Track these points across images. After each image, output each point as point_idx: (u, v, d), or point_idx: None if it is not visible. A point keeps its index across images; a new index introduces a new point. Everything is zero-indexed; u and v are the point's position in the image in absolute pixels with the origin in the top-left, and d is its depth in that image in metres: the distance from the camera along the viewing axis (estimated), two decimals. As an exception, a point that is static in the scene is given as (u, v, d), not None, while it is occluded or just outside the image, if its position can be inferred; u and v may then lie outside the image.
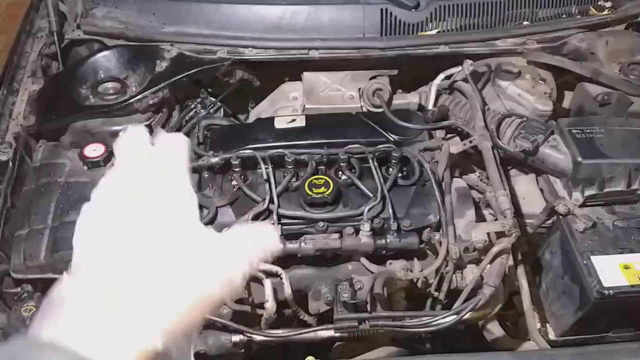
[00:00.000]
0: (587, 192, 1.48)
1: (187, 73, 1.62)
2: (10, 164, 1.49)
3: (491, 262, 1.31)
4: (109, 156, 1.53)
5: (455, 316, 1.28)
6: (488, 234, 1.36)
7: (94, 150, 1.51)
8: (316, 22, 1.71)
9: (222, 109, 1.78)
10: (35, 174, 1.50)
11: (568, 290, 1.39)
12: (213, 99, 1.76)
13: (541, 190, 1.62)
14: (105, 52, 1.69)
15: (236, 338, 1.35)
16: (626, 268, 1.31)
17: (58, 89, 1.66)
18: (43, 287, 1.40)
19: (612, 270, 1.30)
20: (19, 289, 1.36)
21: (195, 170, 1.47)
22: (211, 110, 1.74)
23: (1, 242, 1.39)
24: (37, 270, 1.37)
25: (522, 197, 1.59)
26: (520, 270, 1.42)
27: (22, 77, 1.68)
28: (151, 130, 1.63)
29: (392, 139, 1.51)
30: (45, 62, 1.74)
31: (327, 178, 1.39)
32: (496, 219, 1.42)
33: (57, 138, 1.62)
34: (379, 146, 1.47)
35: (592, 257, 1.32)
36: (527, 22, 1.81)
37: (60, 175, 1.48)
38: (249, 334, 1.34)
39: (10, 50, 1.74)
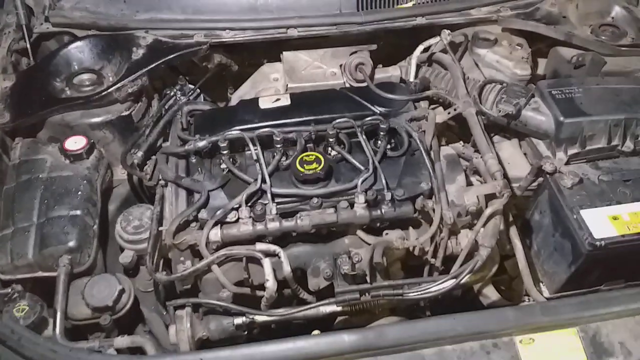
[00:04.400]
0: (570, 151, 1.51)
1: (165, 59, 1.59)
2: (-12, 163, 1.43)
3: (484, 224, 1.33)
4: (91, 148, 1.49)
5: (454, 280, 1.29)
6: (479, 197, 1.38)
7: (75, 143, 1.47)
8: (292, 0, 1.70)
9: (201, 95, 1.75)
10: (15, 172, 1.46)
11: (560, 246, 1.42)
12: (192, 86, 1.73)
13: (525, 154, 1.64)
14: (77, 43, 1.64)
15: (239, 320, 1.34)
16: (615, 219, 1.34)
17: (31, 84, 1.60)
18: (33, 286, 1.36)
19: (602, 222, 1.33)
20: (9, 290, 1.31)
21: (182, 155, 1.45)
22: (191, 97, 1.71)
23: None
24: (26, 269, 1.33)
25: (507, 162, 1.60)
26: (513, 231, 1.44)
27: (-7, 75, 1.61)
28: (132, 120, 1.59)
29: (378, 112, 1.51)
30: (15, 58, 1.68)
31: (317, 154, 1.38)
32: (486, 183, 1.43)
33: (34, 134, 1.57)
34: (367, 119, 1.47)
35: (582, 211, 1.35)
36: (499, -10, 1.83)
37: (41, 170, 1.44)
38: (251, 315, 1.33)
39: (-23, 48, 1.67)
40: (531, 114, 1.55)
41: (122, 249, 1.48)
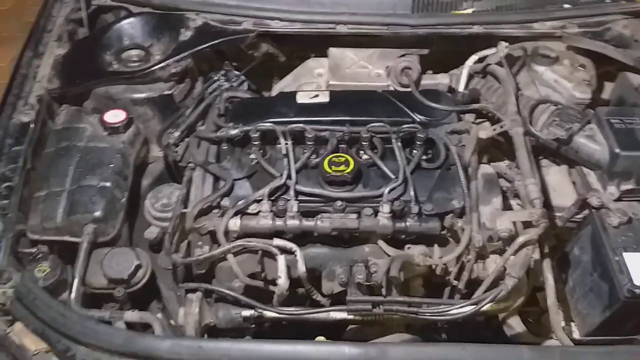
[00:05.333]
0: (624, 187, 1.40)
1: (210, 43, 1.59)
2: (32, 125, 1.49)
3: (515, 252, 1.25)
4: (129, 123, 1.52)
5: (474, 306, 1.23)
6: (514, 223, 1.30)
7: (114, 116, 1.51)
8: (345, -5, 1.66)
9: (246, 82, 1.75)
10: (56, 137, 1.50)
11: (596, 287, 1.32)
12: (237, 72, 1.73)
13: (574, 183, 1.54)
14: (131, 19, 1.68)
15: (247, 313, 1.33)
16: (661, 267, 1.23)
17: (83, 54, 1.65)
18: (58, 249, 1.40)
19: (646, 269, 1.22)
20: (35, 250, 1.36)
21: (214, 141, 1.45)
22: (235, 84, 1.70)
23: (20, 203, 1.39)
24: (53, 232, 1.37)
25: (552, 189, 1.51)
26: (546, 264, 1.34)
27: (48, 41, 1.68)
28: (173, 100, 1.61)
29: (418, 120, 1.45)
30: (71, 27, 1.74)
31: (347, 156, 1.34)
32: (524, 209, 1.35)
33: (80, 103, 1.62)
34: (404, 126, 1.41)
35: (625, 254, 1.25)
36: (568, 5, 1.71)
37: (80, 139, 1.48)
38: (260, 310, 1.31)
39: (37, 13, 1.74)
40: (584, 141, 1.44)
41: (149, 225, 1.50)
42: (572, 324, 1.42)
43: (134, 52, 1.64)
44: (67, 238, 1.38)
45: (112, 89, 1.57)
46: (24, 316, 1.20)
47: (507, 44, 1.59)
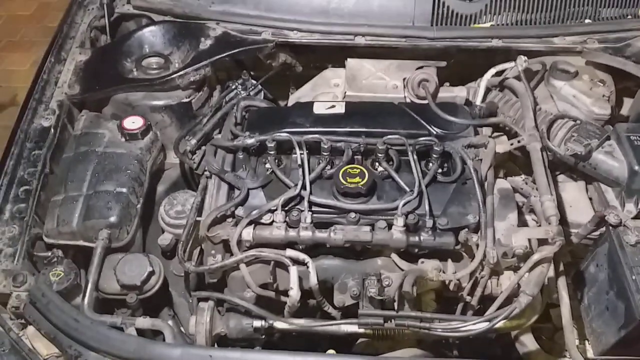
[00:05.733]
0: (643, 205, 1.38)
1: (230, 52, 1.61)
2: (52, 130, 1.51)
3: (530, 270, 1.23)
4: (147, 129, 1.53)
5: (487, 323, 1.21)
6: (529, 240, 1.29)
7: (132, 123, 1.52)
8: (364, 7, 1.67)
9: (262, 92, 1.76)
10: (75, 142, 1.53)
11: (612, 306, 1.29)
12: (254, 82, 1.74)
13: (590, 199, 1.52)
14: (152, 27, 1.70)
15: (258, 323, 1.33)
16: (680, 289, 1.20)
17: (104, 61, 1.68)
18: (73, 253, 1.42)
19: (664, 290, 1.20)
20: (50, 253, 1.37)
21: (230, 150, 1.46)
22: (252, 93, 1.72)
23: (37, 206, 1.41)
24: (69, 236, 1.39)
25: (569, 205, 1.49)
26: (562, 282, 1.33)
27: (71, 47, 1.71)
28: (191, 108, 1.63)
29: (434, 132, 1.44)
30: (94, 34, 1.77)
31: (362, 168, 1.34)
32: (539, 225, 1.33)
33: (100, 109, 1.64)
34: (420, 139, 1.40)
35: (643, 273, 1.23)
36: (589, 21, 1.70)
37: (98, 145, 1.50)
38: (271, 321, 1.31)
39: (60, 19, 1.77)
40: (603, 158, 1.42)
41: (163, 231, 1.51)
42: (587, 342, 1.40)
43: (153, 59, 1.66)
44: (81, 243, 1.40)
45: (131, 96, 1.59)
46: (36, 320, 1.21)
47: (525, 57, 1.58)
